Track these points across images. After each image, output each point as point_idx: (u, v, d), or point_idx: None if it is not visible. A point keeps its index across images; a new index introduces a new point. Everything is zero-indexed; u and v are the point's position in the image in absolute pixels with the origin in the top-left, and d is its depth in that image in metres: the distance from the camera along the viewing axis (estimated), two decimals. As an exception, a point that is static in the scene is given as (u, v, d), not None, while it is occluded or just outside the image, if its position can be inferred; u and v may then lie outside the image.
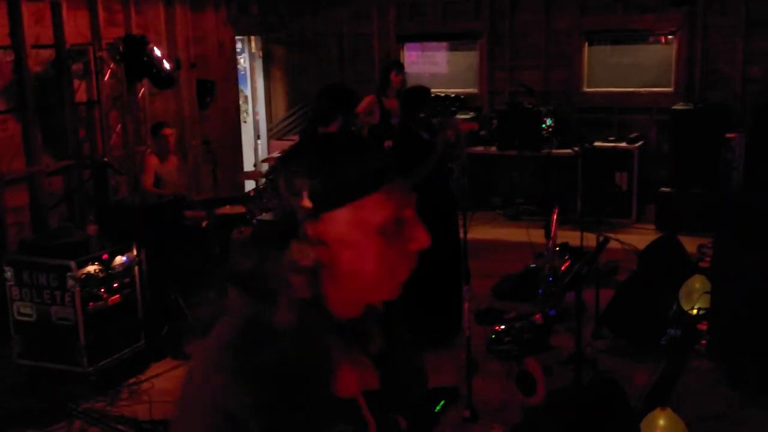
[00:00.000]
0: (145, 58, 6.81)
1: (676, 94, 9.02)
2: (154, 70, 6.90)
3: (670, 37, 9.11)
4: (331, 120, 4.35)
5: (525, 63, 9.73)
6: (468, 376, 4.57)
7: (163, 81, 7.08)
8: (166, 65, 6.99)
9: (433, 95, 6.13)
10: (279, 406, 1.24)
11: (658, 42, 9.33)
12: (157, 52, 6.96)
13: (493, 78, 9.93)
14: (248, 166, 9.91)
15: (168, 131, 6.89)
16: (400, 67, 7.25)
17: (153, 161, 6.83)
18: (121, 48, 6.84)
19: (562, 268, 6.36)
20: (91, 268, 5.01)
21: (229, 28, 9.02)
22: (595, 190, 8.20)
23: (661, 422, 3.88)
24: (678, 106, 8.56)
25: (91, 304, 4.99)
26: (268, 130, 10.39)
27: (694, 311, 5.41)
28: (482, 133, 9.60)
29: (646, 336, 5.41)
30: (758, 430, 4.42)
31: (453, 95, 9.81)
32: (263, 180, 7.10)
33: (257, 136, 10.67)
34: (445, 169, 5.58)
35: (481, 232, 8.43)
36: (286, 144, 8.71)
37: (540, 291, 6.03)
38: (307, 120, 4.55)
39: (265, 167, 7.50)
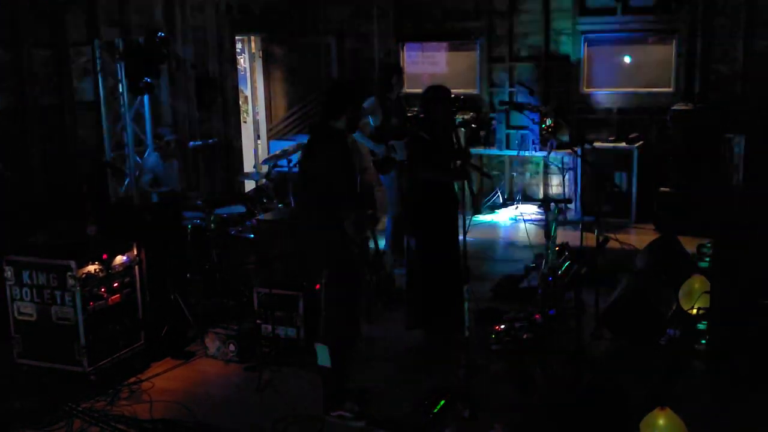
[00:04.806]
0: (150, 59, 6.77)
1: (676, 94, 9.03)
2: (145, 73, 6.84)
3: (669, 38, 9.12)
4: (341, 113, 4.49)
5: (525, 63, 9.73)
6: (468, 376, 4.57)
7: (140, 85, 7.00)
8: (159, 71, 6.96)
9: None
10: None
11: (658, 42, 9.32)
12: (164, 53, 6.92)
13: (492, 78, 9.93)
14: (248, 166, 9.91)
15: (168, 136, 6.88)
16: (400, 71, 7.19)
17: (152, 163, 6.83)
18: (121, 46, 6.82)
19: (562, 268, 6.35)
20: (91, 268, 5.01)
21: (229, 28, 9.02)
22: (595, 190, 8.20)
23: (661, 422, 3.88)
24: (678, 106, 8.56)
25: (91, 304, 4.99)
26: (268, 130, 10.39)
27: (694, 311, 5.41)
28: (482, 133, 9.61)
29: (646, 336, 5.41)
30: (757, 430, 4.43)
31: (453, 95, 9.79)
32: (263, 180, 7.10)
33: (257, 136, 10.66)
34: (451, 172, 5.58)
35: (481, 232, 8.44)
36: (285, 144, 8.71)
37: (540, 291, 6.02)
38: (317, 115, 4.72)
39: (265, 168, 7.50)
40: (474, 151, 9.17)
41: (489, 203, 9.57)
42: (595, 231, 5.48)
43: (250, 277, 6.16)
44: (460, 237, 5.46)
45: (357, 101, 4.60)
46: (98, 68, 7.03)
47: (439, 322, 5.66)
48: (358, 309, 4.75)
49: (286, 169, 7.13)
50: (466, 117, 9.54)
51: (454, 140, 5.66)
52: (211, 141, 7.56)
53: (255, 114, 10.61)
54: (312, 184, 4.49)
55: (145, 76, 6.99)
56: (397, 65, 7.24)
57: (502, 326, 5.47)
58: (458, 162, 5.30)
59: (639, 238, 7.75)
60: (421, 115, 5.75)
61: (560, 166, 9.24)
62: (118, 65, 6.94)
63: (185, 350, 5.65)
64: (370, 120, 7.11)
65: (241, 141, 9.68)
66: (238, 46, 9.87)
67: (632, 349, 5.37)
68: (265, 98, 10.42)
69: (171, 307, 5.67)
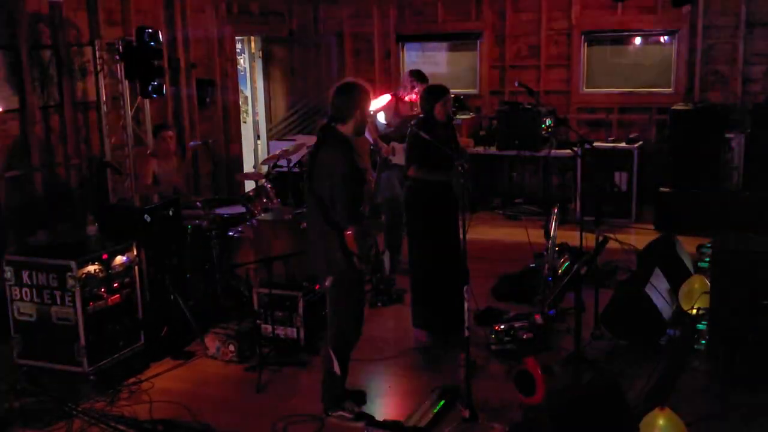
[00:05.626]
0: (148, 57, 6.79)
1: (676, 94, 9.03)
2: (151, 74, 6.87)
3: (669, 38, 9.12)
4: (349, 117, 4.37)
5: (525, 63, 9.74)
6: (468, 376, 4.57)
7: (152, 88, 7.04)
8: (164, 69, 7.00)
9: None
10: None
11: (658, 42, 9.33)
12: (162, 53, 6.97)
13: (492, 78, 9.94)
14: (248, 166, 9.91)
15: (168, 133, 6.89)
16: (424, 79, 6.98)
17: (152, 162, 6.83)
18: (121, 45, 6.84)
19: (562, 268, 6.36)
20: (91, 268, 5.01)
21: (229, 28, 9.02)
22: (594, 190, 8.21)
23: (661, 422, 3.88)
24: (678, 106, 8.56)
25: (91, 304, 4.99)
26: (268, 130, 10.39)
27: (694, 311, 5.41)
28: (482, 133, 9.61)
29: (645, 336, 5.41)
30: (757, 430, 4.43)
31: (453, 95, 9.80)
32: (263, 180, 7.10)
33: (257, 137, 10.66)
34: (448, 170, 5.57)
35: (481, 232, 8.44)
36: (285, 144, 8.71)
37: (540, 291, 6.02)
38: (327, 119, 4.50)
39: (265, 168, 7.50)
40: (474, 151, 9.20)
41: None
42: (595, 231, 5.48)
43: (250, 277, 6.16)
44: (460, 237, 5.47)
45: (366, 104, 4.43)
46: (98, 68, 7.04)
47: (439, 322, 5.66)
48: (361, 312, 4.73)
49: (285, 169, 7.14)
50: (466, 117, 9.56)
51: (453, 140, 5.67)
52: (210, 141, 7.55)
53: (255, 114, 10.61)
54: (315, 190, 4.42)
55: (144, 76, 7.03)
56: (421, 76, 6.95)
57: (502, 326, 5.47)
58: (458, 162, 5.29)
59: (639, 238, 7.75)
60: (421, 115, 5.75)
61: (560, 166, 9.26)
62: (118, 65, 6.96)
63: (185, 350, 5.65)
64: (382, 118, 7.09)
65: (241, 141, 9.68)
66: (238, 46, 9.87)
67: (632, 349, 5.38)
68: (265, 98, 10.42)
69: (171, 307, 5.67)
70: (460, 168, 4.94)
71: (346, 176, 4.28)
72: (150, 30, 6.79)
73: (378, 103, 7.05)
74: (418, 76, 7.01)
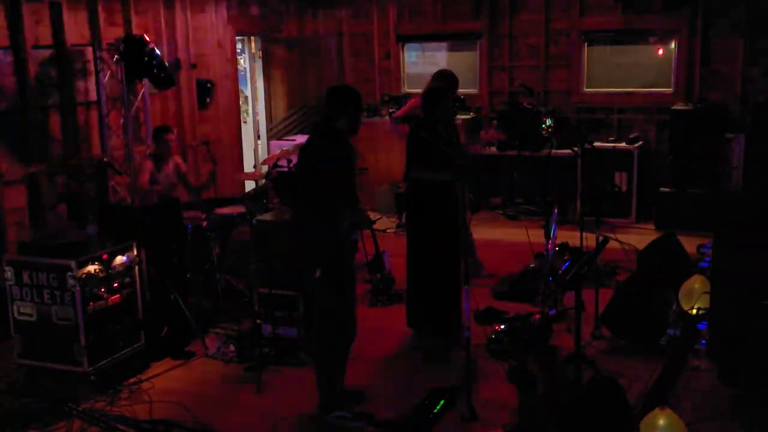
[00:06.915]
0: (146, 58, 6.84)
1: (676, 94, 9.03)
2: (154, 71, 6.93)
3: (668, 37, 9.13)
4: (341, 115, 4.58)
5: (525, 63, 9.74)
6: (468, 376, 4.57)
7: (162, 81, 7.12)
8: (166, 65, 7.03)
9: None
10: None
11: (658, 42, 9.32)
12: (157, 52, 7.00)
13: (492, 78, 9.93)
14: (248, 166, 9.91)
15: (169, 136, 6.88)
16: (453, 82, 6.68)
17: (148, 164, 6.80)
18: (121, 48, 6.86)
19: (562, 268, 6.35)
20: (91, 268, 5.01)
21: (229, 28, 9.02)
22: (594, 190, 8.21)
23: (661, 422, 3.88)
24: (678, 106, 8.56)
25: (91, 304, 4.99)
26: (268, 130, 10.39)
27: (694, 311, 5.41)
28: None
29: (645, 336, 5.41)
30: (757, 430, 4.42)
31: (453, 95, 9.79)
32: (263, 180, 7.11)
33: (257, 137, 10.66)
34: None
35: (481, 232, 8.43)
36: (285, 144, 8.71)
37: (540, 291, 6.02)
38: (320, 117, 4.75)
39: (265, 168, 7.50)
40: (474, 151, 9.19)
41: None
42: (596, 231, 5.48)
43: (250, 277, 6.16)
44: (457, 236, 5.47)
45: (358, 103, 4.67)
46: (98, 68, 7.04)
47: (439, 322, 5.66)
48: (355, 308, 4.75)
49: (286, 169, 7.13)
50: (466, 117, 9.55)
51: (454, 140, 5.67)
52: (210, 141, 7.55)
53: (255, 114, 10.61)
54: (310, 181, 4.52)
55: (144, 76, 7.05)
56: (448, 76, 6.73)
57: (502, 326, 5.47)
58: (458, 162, 5.29)
59: (639, 238, 7.75)
60: (422, 115, 5.76)
61: (560, 165, 9.24)
62: (118, 65, 6.97)
63: (185, 350, 5.65)
64: None
65: (241, 141, 9.68)
66: (238, 46, 9.87)
67: (632, 349, 5.38)
68: (265, 98, 10.42)
69: (171, 307, 5.67)
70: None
71: (342, 163, 4.50)
72: (137, 36, 6.85)
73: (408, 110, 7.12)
74: (446, 79, 6.64)
